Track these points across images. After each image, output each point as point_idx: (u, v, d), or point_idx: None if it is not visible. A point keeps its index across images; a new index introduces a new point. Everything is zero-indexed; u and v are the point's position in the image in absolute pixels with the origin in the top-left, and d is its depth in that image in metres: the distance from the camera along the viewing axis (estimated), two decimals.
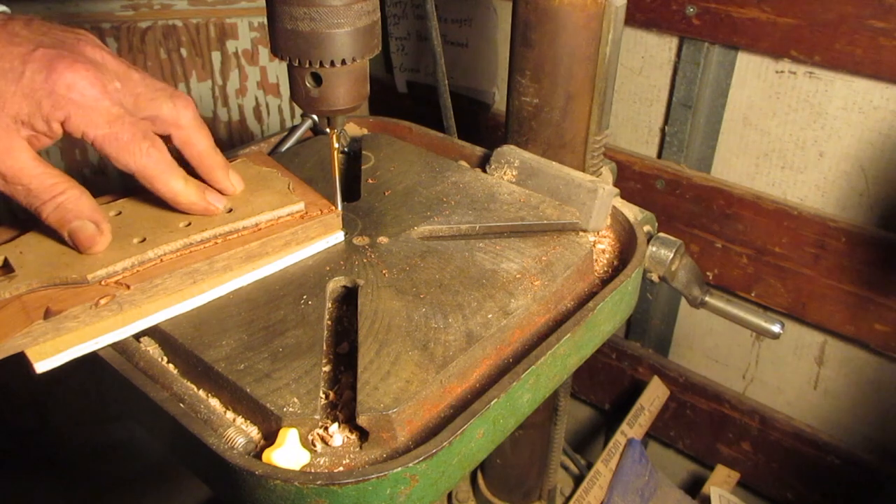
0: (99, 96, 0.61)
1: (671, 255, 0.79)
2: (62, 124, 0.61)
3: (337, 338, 0.66)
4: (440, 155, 0.92)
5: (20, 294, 0.60)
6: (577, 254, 0.74)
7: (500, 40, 1.53)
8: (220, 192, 0.71)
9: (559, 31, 0.81)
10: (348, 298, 0.70)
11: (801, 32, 1.12)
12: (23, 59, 0.59)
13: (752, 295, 1.34)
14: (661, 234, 0.81)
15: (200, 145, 0.69)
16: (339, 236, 0.75)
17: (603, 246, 0.81)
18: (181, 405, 0.58)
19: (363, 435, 0.56)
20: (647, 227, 0.80)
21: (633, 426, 1.46)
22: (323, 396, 0.59)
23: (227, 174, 0.71)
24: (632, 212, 0.81)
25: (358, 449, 0.56)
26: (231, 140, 1.69)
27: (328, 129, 0.72)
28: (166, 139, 0.67)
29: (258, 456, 0.54)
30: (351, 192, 0.84)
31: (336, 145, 0.73)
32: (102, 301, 0.60)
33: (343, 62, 0.64)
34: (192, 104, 0.69)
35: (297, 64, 0.64)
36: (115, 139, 0.62)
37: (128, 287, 0.61)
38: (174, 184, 0.66)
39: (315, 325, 0.64)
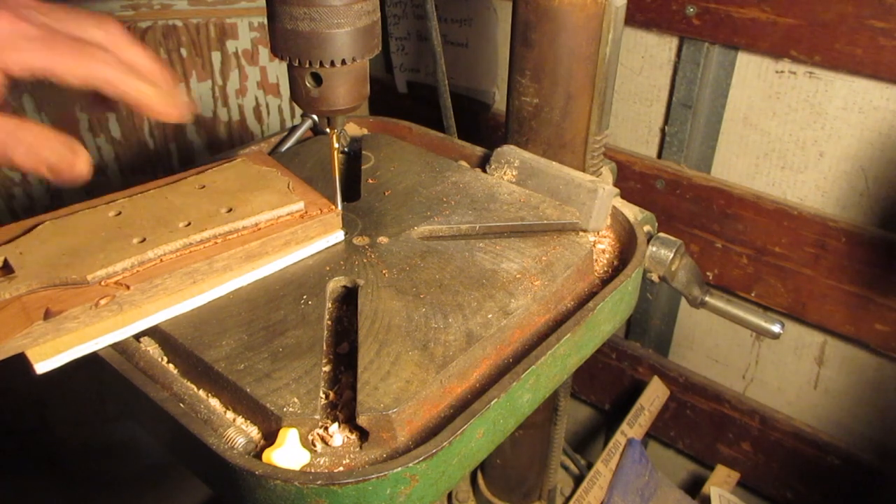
0: (16, 24, 0.56)
1: (671, 255, 0.79)
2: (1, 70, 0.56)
3: (337, 338, 0.66)
4: (440, 155, 0.92)
5: (20, 295, 0.60)
6: (577, 254, 0.74)
7: (500, 40, 1.53)
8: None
9: (559, 31, 0.81)
10: (348, 298, 0.70)
11: (801, 32, 1.12)
12: None
13: (752, 295, 1.34)
14: (661, 234, 0.81)
15: (139, 61, 0.62)
16: (339, 236, 0.75)
17: (603, 246, 0.81)
18: (181, 405, 0.58)
19: (363, 435, 0.56)
20: (647, 227, 0.80)
21: (633, 426, 1.46)
22: (323, 396, 0.59)
23: (176, 86, 0.65)
24: (632, 212, 0.81)
25: (358, 449, 0.56)
26: (231, 140, 1.69)
27: (328, 129, 0.72)
28: None
29: (258, 456, 0.54)
30: (351, 192, 0.84)
31: (336, 145, 0.73)
32: (102, 301, 0.60)
33: (343, 62, 0.64)
34: (120, 24, 0.63)
35: (297, 64, 0.64)
36: (56, 55, 0.57)
37: (128, 287, 0.61)
38: (140, 84, 0.60)
39: (315, 325, 0.64)
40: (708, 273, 1.38)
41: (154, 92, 0.61)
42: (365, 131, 1.01)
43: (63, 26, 0.60)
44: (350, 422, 0.57)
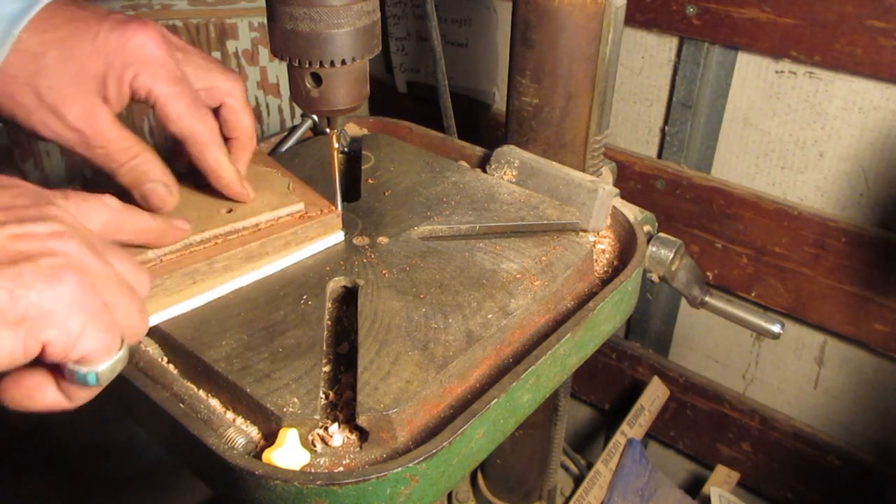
0: (166, 57, 0.64)
1: (671, 255, 0.79)
2: (131, 83, 0.63)
3: (337, 338, 0.66)
4: (440, 155, 0.92)
5: None
6: (577, 254, 0.74)
7: (500, 40, 1.53)
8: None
9: (559, 31, 0.81)
10: (348, 298, 0.70)
11: (801, 32, 1.12)
12: (98, 20, 0.63)
13: (752, 295, 1.34)
14: (661, 234, 0.81)
15: (246, 121, 0.72)
16: (339, 236, 0.75)
17: (603, 246, 0.81)
18: (181, 405, 0.58)
19: (363, 435, 0.56)
20: (647, 227, 0.80)
21: (633, 426, 1.46)
22: (323, 396, 0.59)
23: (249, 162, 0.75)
24: (632, 212, 0.81)
25: (358, 449, 0.56)
26: None
27: (328, 129, 0.72)
28: (215, 111, 0.70)
29: (258, 456, 0.54)
30: (351, 192, 0.84)
31: (336, 145, 0.73)
32: None
33: (343, 62, 0.64)
34: (242, 81, 0.72)
35: (297, 64, 0.64)
36: (178, 98, 0.64)
37: None
38: (221, 156, 0.68)
39: (315, 325, 0.64)
40: (708, 273, 1.38)
41: (227, 166, 0.69)
42: (365, 131, 1.01)
43: (196, 71, 0.68)
44: (350, 422, 0.57)
